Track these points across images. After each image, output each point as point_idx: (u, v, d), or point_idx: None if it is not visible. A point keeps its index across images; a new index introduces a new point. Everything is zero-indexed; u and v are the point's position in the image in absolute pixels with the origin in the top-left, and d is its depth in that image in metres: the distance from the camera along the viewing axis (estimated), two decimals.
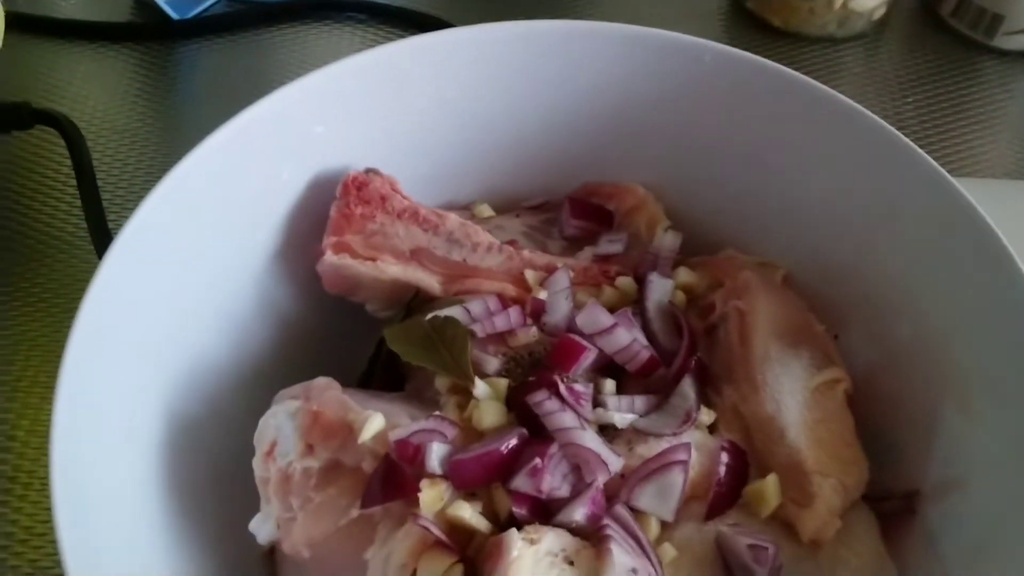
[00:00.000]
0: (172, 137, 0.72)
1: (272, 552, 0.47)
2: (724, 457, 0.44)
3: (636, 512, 0.42)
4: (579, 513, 0.41)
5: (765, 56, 0.54)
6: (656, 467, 0.43)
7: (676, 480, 0.43)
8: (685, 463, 0.43)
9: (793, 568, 0.44)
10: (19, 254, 0.64)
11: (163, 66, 0.77)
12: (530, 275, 0.51)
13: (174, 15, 0.78)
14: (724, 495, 0.44)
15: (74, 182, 0.65)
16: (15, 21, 0.67)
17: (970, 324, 0.47)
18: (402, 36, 0.77)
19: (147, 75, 0.76)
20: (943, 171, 0.49)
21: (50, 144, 0.70)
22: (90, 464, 0.41)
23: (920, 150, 0.50)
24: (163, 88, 0.76)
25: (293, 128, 0.51)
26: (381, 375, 0.52)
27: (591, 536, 0.41)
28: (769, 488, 0.44)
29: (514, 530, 0.40)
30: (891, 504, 0.47)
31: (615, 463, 0.42)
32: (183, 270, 0.48)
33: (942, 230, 0.49)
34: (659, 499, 0.43)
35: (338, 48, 0.79)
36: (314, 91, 0.51)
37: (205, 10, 0.80)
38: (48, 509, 0.53)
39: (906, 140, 0.50)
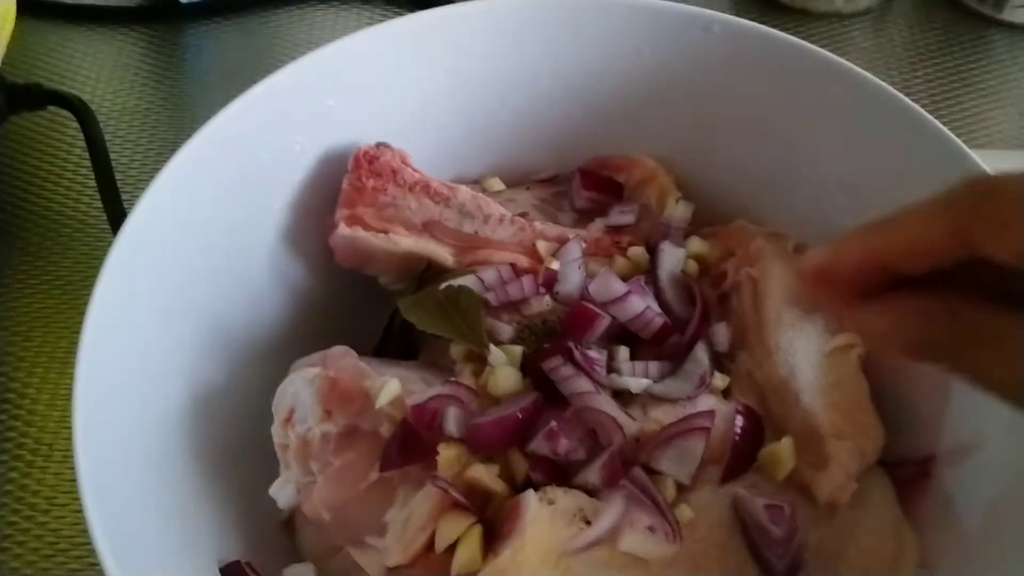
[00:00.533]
0: (182, 117, 0.72)
1: (291, 519, 0.48)
2: (739, 421, 0.45)
3: (653, 474, 0.43)
4: (595, 475, 0.42)
5: None
6: (678, 431, 0.43)
7: (697, 445, 0.43)
8: (707, 430, 0.43)
9: (810, 530, 0.44)
10: (35, 233, 0.65)
11: (172, 48, 0.77)
12: (542, 246, 0.52)
13: None
14: (739, 458, 0.45)
15: (87, 162, 0.65)
16: (26, 5, 0.67)
17: None
18: (407, 14, 0.78)
19: (157, 56, 0.76)
20: (956, 139, 0.49)
21: (62, 125, 0.70)
22: (111, 433, 0.42)
23: (935, 120, 0.50)
24: (173, 69, 0.76)
25: (305, 101, 0.51)
26: (395, 345, 0.52)
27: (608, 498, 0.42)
28: (784, 451, 0.44)
29: (531, 491, 0.40)
30: (906, 469, 0.47)
31: (630, 426, 0.43)
32: (198, 243, 0.49)
33: None
34: (678, 462, 0.43)
35: (345, 28, 0.79)
36: (326, 65, 0.51)
37: None
38: (69, 480, 0.55)
39: (918, 108, 0.50)
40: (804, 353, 0.47)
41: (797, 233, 0.55)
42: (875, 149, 0.52)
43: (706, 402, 0.45)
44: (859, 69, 0.52)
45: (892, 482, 0.48)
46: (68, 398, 0.57)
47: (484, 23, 0.55)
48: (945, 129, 0.49)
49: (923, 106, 0.51)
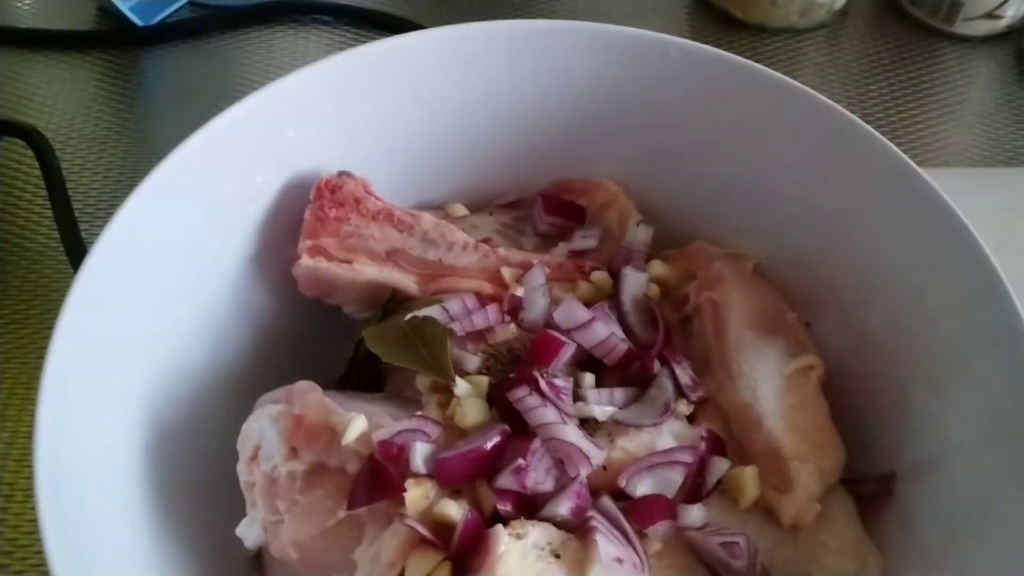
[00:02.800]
0: (141, 144, 0.72)
1: (259, 556, 0.47)
2: (702, 446, 0.45)
3: (624, 500, 0.43)
4: (564, 507, 0.42)
5: (729, 48, 0.55)
6: (660, 461, 0.44)
7: (675, 478, 0.44)
8: (688, 465, 0.44)
9: (774, 552, 0.44)
10: None
11: (129, 73, 0.77)
12: (506, 272, 0.52)
13: (138, 22, 0.78)
14: (700, 483, 0.45)
15: (44, 192, 0.65)
16: None
17: (939, 308, 0.48)
18: (368, 37, 0.78)
19: (113, 82, 0.76)
20: (907, 159, 0.50)
21: (18, 155, 0.69)
22: (74, 473, 0.41)
23: (884, 139, 0.51)
24: (130, 95, 0.75)
25: (265, 133, 0.51)
26: (360, 377, 0.52)
27: (576, 529, 0.42)
28: (748, 478, 0.45)
29: (500, 526, 0.40)
30: (868, 487, 0.48)
31: (597, 456, 0.43)
32: (160, 277, 0.48)
33: (908, 218, 0.50)
34: (656, 491, 0.43)
35: (305, 50, 0.79)
36: (284, 96, 0.51)
37: (169, 16, 0.79)
38: (32, 520, 0.54)
39: (870, 129, 0.51)
40: (765, 376, 0.48)
41: (756, 251, 0.55)
42: (829, 168, 0.53)
43: (671, 428, 0.45)
44: (810, 90, 0.53)
45: (854, 499, 0.48)
46: (28, 435, 0.57)
47: (444, 50, 0.55)
48: (895, 148, 0.50)
49: (877, 119, 0.52)
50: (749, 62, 0.54)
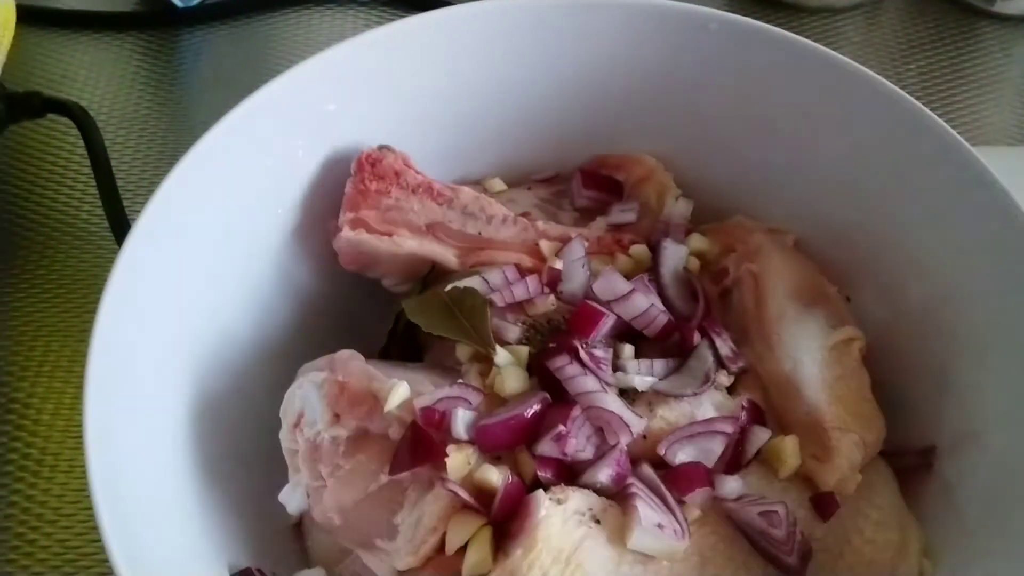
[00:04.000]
0: (181, 123, 0.72)
1: (300, 524, 0.48)
2: (743, 416, 0.45)
3: (663, 468, 0.43)
4: (604, 474, 0.42)
5: None
6: (701, 431, 0.44)
7: (716, 447, 0.44)
8: (728, 435, 0.44)
9: (814, 522, 0.44)
10: (36, 242, 0.65)
11: (169, 53, 0.77)
12: (545, 245, 0.52)
13: (179, 3, 0.78)
14: (740, 453, 0.45)
15: (87, 169, 0.65)
16: (22, 13, 0.67)
17: (981, 280, 0.48)
18: (404, 17, 0.78)
19: (154, 63, 0.76)
20: (952, 131, 0.50)
21: (61, 133, 0.70)
22: (122, 443, 0.42)
23: (931, 113, 0.50)
24: (170, 75, 0.76)
25: (306, 107, 0.52)
26: (400, 348, 0.52)
27: (616, 496, 0.42)
28: (788, 449, 0.45)
29: (541, 491, 0.41)
30: (908, 460, 0.48)
31: (637, 424, 0.43)
32: (203, 249, 0.49)
33: (950, 190, 0.50)
34: (695, 460, 0.43)
35: (341, 31, 0.79)
36: (326, 70, 0.52)
37: None
38: (75, 489, 0.55)
39: (914, 102, 0.51)
40: (806, 347, 0.48)
41: (796, 227, 0.55)
42: (873, 144, 0.53)
43: (711, 398, 0.46)
44: (858, 65, 0.52)
45: (894, 473, 0.48)
46: (72, 407, 0.58)
47: (482, 25, 0.55)
48: (944, 124, 0.50)
49: (916, 99, 0.51)
50: (792, 35, 0.53)
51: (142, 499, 0.42)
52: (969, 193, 0.49)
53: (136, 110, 0.73)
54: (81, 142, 0.65)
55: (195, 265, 0.49)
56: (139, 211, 0.63)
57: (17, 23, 0.66)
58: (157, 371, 0.46)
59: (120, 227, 0.61)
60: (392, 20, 0.78)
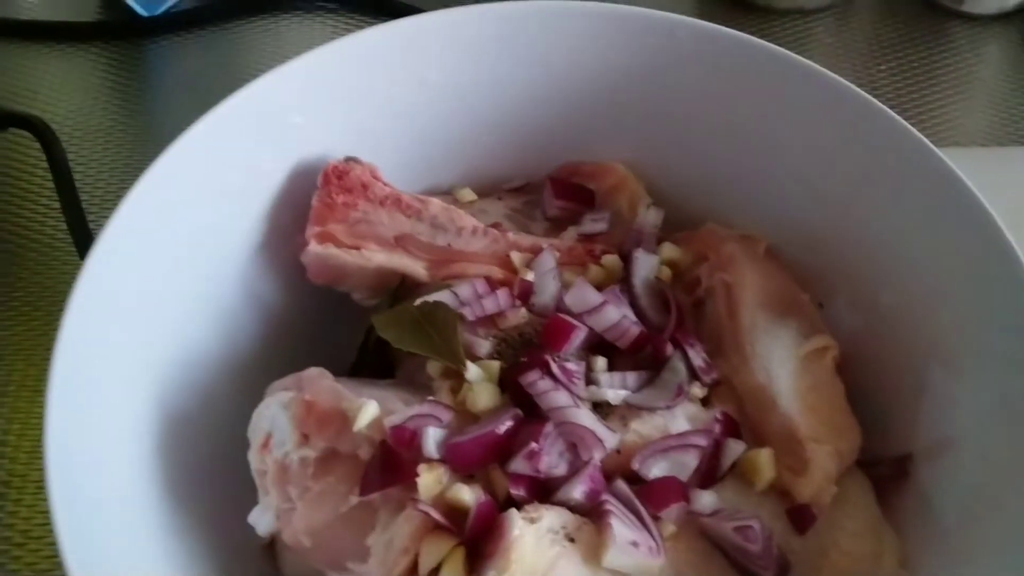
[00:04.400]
0: (147, 135, 0.71)
1: (271, 544, 0.47)
2: (717, 428, 0.45)
3: (638, 483, 0.43)
4: (578, 491, 0.41)
5: (736, 29, 0.54)
6: (674, 445, 0.43)
7: (690, 461, 0.43)
8: (702, 448, 0.44)
9: (790, 535, 0.44)
10: None
11: (134, 64, 0.76)
12: (516, 257, 0.51)
13: (143, 12, 0.77)
14: (715, 466, 0.45)
15: (50, 184, 0.64)
16: None
17: (953, 285, 0.48)
18: (372, 24, 0.77)
19: (118, 73, 0.75)
20: (921, 136, 0.49)
21: (23, 147, 0.69)
22: (85, 464, 0.41)
23: (898, 117, 0.50)
24: (135, 86, 0.75)
25: (271, 119, 0.51)
26: (371, 364, 0.52)
27: (591, 512, 0.42)
28: (763, 461, 0.45)
29: (514, 510, 0.40)
30: (884, 468, 0.48)
31: (610, 439, 0.43)
32: (168, 265, 0.48)
33: (921, 195, 0.49)
34: (670, 475, 0.43)
35: (310, 38, 0.78)
36: (290, 81, 0.51)
37: (173, 6, 0.79)
38: (44, 512, 0.53)
39: (882, 106, 0.51)
40: (780, 358, 0.47)
41: (767, 233, 0.55)
42: (841, 148, 0.52)
43: (685, 411, 0.45)
44: (824, 69, 0.52)
45: (870, 482, 0.48)
46: (39, 427, 0.57)
47: (450, 33, 0.55)
48: (910, 127, 0.50)
49: (887, 101, 0.51)
50: (759, 40, 0.53)
51: (107, 523, 0.41)
52: (938, 197, 0.48)
53: (100, 122, 0.72)
54: (44, 155, 0.64)
55: (160, 281, 0.48)
56: (103, 224, 0.63)
57: None
58: (121, 390, 0.45)
59: (84, 242, 0.60)
60: (360, 26, 0.79)
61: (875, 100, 0.51)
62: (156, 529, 0.43)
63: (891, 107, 0.51)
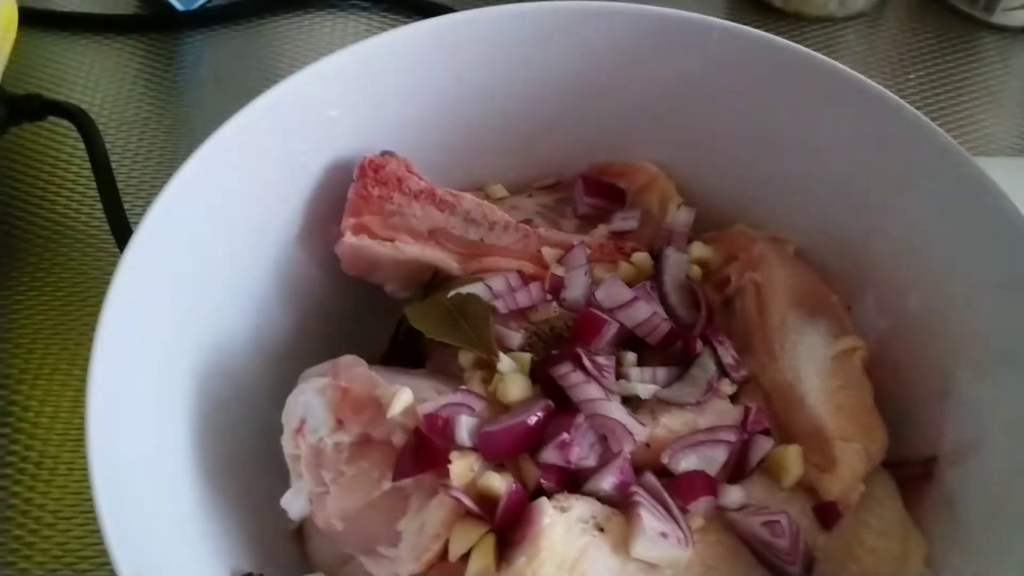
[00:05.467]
0: (182, 126, 0.72)
1: (300, 529, 0.48)
2: (746, 424, 0.45)
3: (666, 476, 0.43)
4: (607, 482, 0.42)
5: None
6: (704, 439, 0.44)
7: (719, 456, 0.44)
8: (731, 443, 0.44)
9: (817, 532, 0.44)
10: (36, 245, 0.65)
11: (170, 57, 0.77)
12: (547, 252, 0.52)
13: (179, 6, 0.78)
14: (744, 462, 0.45)
15: (88, 172, 0.65)
16: (22, 15, 0.67)
17: (982, 289, 0.48)
18: (405, 22, 0.78)
19: (155, 66, 0.76)
20: (952, 141, 0.50)
21: (61, 135, 0.70)
22: (124, 448, 0.42)
23: (928, 120, 0.50)
24: (171, 79, 0.76)
25: (309, 112, 0.52)
26: (402, 353, 0.53)
27: (620, 504, 0.42)
28: (791, 458, 0.45)
29: (544, 499, 0.41)
30: (909, 469, 0.48)
31: (640, 432, 0.43)
32: (205, 256, 0.49)
33: (951, 198, 0.50)
34: (699, 468, 0.43)
35: (343, 35, 0.79)
36: (329, 75, 0.52)
37: (209, 1, 0.80)
38: (74, 493, 0.55)
39: (915, 111, 0.51)
40: (809, 356, 0.48)
41: (797, 236, 0.55)
42: (873, 153, 0.53)
43: (714, 407, 0.46)
44: (858, 74, 0.52)
45: (896, 482, 0.48)
46: (72, 410, 0.58)
47: (485, 31, 0.55)
48: (944, 133, 0.50)
49: (917, 109, 0.51)
50: (794, 44, 0.53)
51: (144, 503, 0.42)
52: (969, 201, 0.49)
53: (136, 113, 0.73)
54: (81, 145, 0.65)
55: (197, 270, 0.48)
56: (139, 214, 0.63)
57: (19, 25, 0.66)
58: (159, 376, 0.46)
59: (121, 230, 0.61)
60: (393, 24, 0.80)
61: (910, 107, 0.51)
62: (192, 511, 0.44)
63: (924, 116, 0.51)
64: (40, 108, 0.65)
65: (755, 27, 0.55)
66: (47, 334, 0.61)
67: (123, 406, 0.42)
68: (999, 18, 0.83)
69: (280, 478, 0.46)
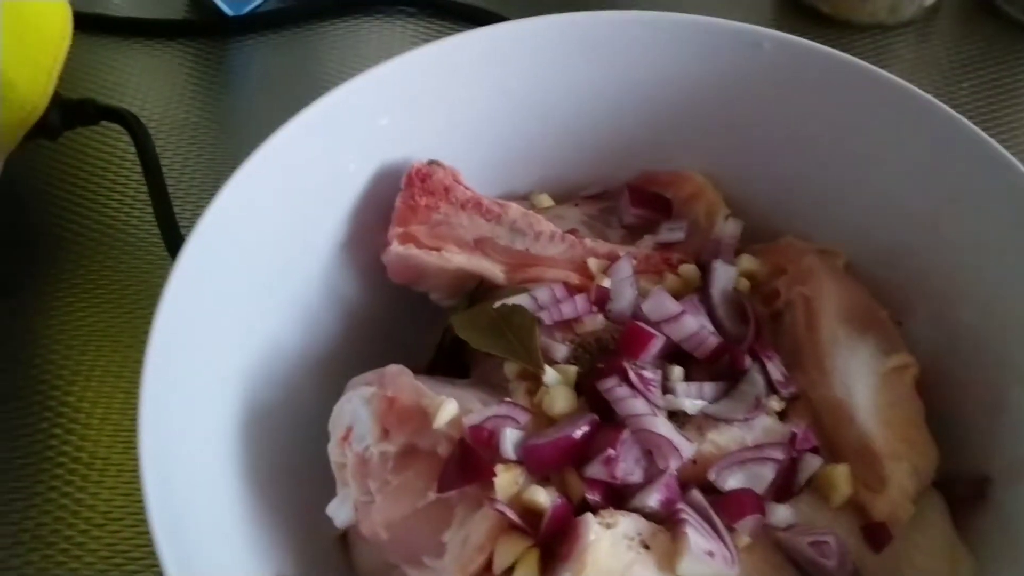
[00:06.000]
0: (231, 131, 0.73)
1: (344, 536, 0.48)
2: (795, 442, 0.45)
3: (713, 493, 0.43)
4: (653, 499, 0.42)
5: None
6: (752, 457, 0.43)
7: (767, 474, 0.43)
8: (779, 461, 0.44)
9: (865, 552, 0.44)
10: (88, 247, 0.66)
11: (219, 62, 0.78)
12: (593, 263, 0.52)
13: (229, 12, 0.79)
14: (791, 480, 0.45)
15: (138, 176, 0.66)
16: (75, 20, 0.68)
17: None
18: (453, 30, 0.79)
19: (204, 71, 0.77)
20: (1005, 152, 0.49)
21: (113, 140, 0.71)
22: (173, 451, 0.42)
23: (982, 132, 0.50)
24: (220, 84, 0.77)
25: (359, 121, 0.52)
26: (446, 364, 0.53)
27: (665, 521, 0.42)
28: (840, 477, 0.44)
29: (590, 514, 0.40)
30: (960, 489, 0.47)
31: (687, 449, 0.43)
32: (254, 263, 0.49)
33: (1004, 211, 0.49)
34: (747, 485, 0.43)
35: (390, 42, 0.80)
36: (381, 83, 0.52)
37: (258, 6, 0.81)
38: (124, 494, 0.55)
39: (967, 122, 0.50)
40: (859, 373, 0.47)
41: (847, 248, 0.55)
42: (925, 165, 0.52)
43: (762, 424, 0.45)
44: (910, 85, 0.52)
45: (946, 502, 0.47)
46: (121, 412, 0.59)
47: (532, 41, 0.55)
48: (998, 145, 0.49)
49: (968, 119, 0.51)
50: (846, 56, 0.53)
51: (192, 508, 0.42)
52: (1022, 213, 0.48)
53: (186, 118, 0.74)
54: (133, 149, 0.66)
55: (246, 278, 0.49)
56: (189, 218, 0.64)
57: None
58: (209, 382, 0.46)
59: (171, 234, 0.62)
60: (439, 31, 0.80)
61: (959, 115, 0.50)
62: (240, 516, 0.44)
63: (980, 130, 0.50)
64: (93, 112, 0.66)
65: (804, 35, 0.55)
66: (98, 337, 0.62)
67: (173, 411, 0.43)
68: None
69: (327, 486, 0.46)
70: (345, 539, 0.48)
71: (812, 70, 0.54)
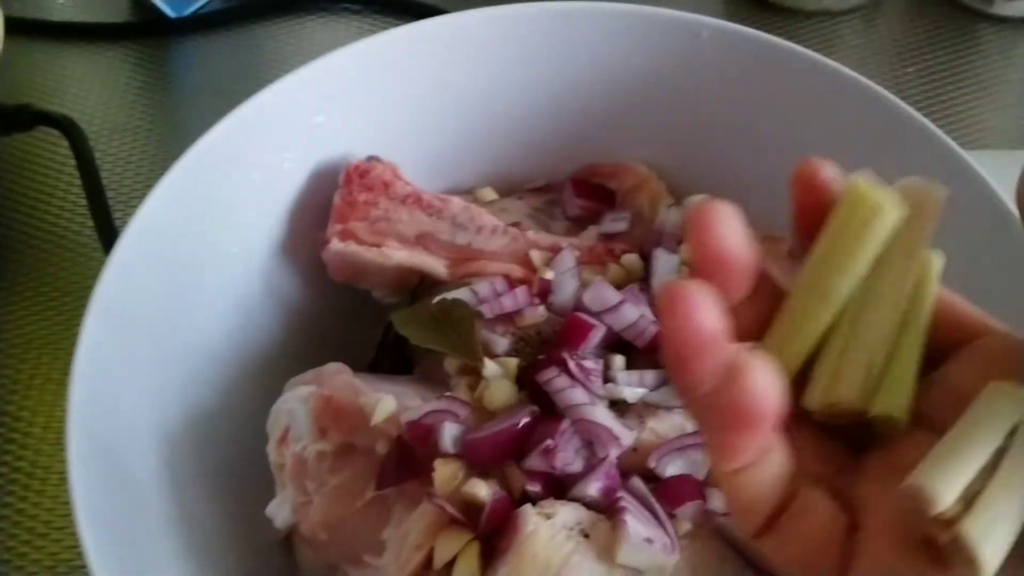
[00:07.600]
0: (173, 133, 0.72)
1: (289, 537, 0.47)
2: None
3: (653, 482, 0.42)
4: (593, 487, 0.41)
5: (761, 31, 0.54)
6: (691, 443, 0.43)
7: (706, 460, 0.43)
8: None
9: None
10: (26, 255, 0.65)
11: (161, 63, 0.77)
12: (535, 256, 0.51)
13: (171, 13, 0.78)
14: None
15: (78, 182, 0.65)
16: (11, 25, 0.67)
17: (979, 288, 0.47)
18: (396, 25, 0.78)
19: (146, 73, 0.76)
20: (947, 139, 0.49)
21: (52, 145, 0.70)
22: (106, 457, 0.42)
23: (924, 119, 0.50)
24: (162, 85, 0.76)
25: (294, 118, 0.52)
26: (389, 360, 0.52)
27: (606, 510, 0.41)
28: None
29: (528, 505, 0.40)
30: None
31: (627, 437, 0.42)
32: (190, 262, 0.49)
33: (949, 200, 0.49)
34: (686, 472, 0.43)
35: (335, 39, 0.79)
36: (313, 81, 0.51)
37: (201, 7, 0.80)
38: (66, 503, 0.54)
39: (910, 110, 0.50)
40: None
41: (789, 235, 0.54)
42: (866, 150, 0.51)
43: None
44: (849, 70, 0.52)
45: None
46: (63, 420, 0.58)
47: (471, 34, 0.55)
48: (937, 130, 0.49)
49: (915, 103, 0.51)
50: (785, 42, 0.53)
51: (127, 514, 0.42)
52: (966, 202, 0.48)
53: (128, 121, 0.73)
54: (71, 154, 0.65)
55: (182, 277, 0.48)
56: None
57: (6, 34, 0.65)
58: (143, 384, 0.45)
59: (109, 239, 0.61)
60: (384, 27, 0.79)
61: (904, 104, 0.50)
62: (176, 521, 0.44)
63: (918, 109, 0.51)
64: (29, 118, 0.65)
65: (750, 24, 0.55)
66: (38, 343, 0.61)
67: (106, 416, 0.42)
68: (998, 8, 0.82)
69: (268, 487, 0.46)
70: (289, 541, 0.48)
71: (751, 57, 0.54)
